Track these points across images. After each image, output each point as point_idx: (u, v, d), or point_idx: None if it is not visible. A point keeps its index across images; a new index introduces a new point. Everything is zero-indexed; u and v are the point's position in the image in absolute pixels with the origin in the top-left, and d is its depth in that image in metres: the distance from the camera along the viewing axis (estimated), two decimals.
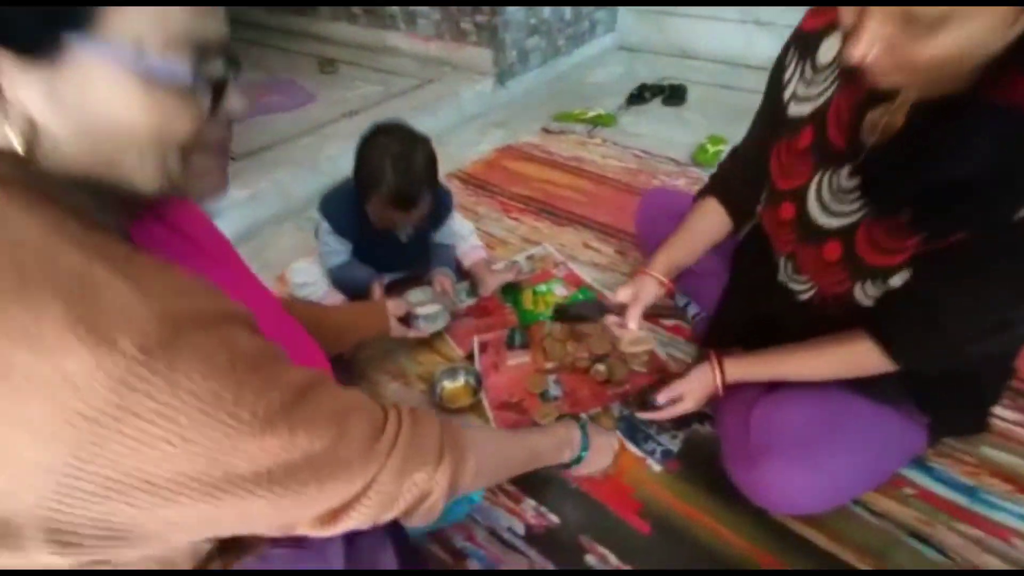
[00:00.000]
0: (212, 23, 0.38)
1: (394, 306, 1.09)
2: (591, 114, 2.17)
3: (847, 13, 0.53)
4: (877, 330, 0.71)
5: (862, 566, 0.79)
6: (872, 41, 0.51)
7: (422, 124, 1.26)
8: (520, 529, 0.87)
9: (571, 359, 1.12)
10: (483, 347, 1.18)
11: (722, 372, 0.85)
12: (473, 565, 0.83)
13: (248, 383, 0.35)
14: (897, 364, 0.71)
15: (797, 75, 0.77)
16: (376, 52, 2.69)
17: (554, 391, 1.08)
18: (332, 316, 1.02)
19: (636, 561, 0.82)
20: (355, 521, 0.46)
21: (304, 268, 1.25)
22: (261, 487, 0.37)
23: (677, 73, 2.52)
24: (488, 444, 0.66)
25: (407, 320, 1.11)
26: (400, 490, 0.48)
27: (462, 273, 1.38)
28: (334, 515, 0.44)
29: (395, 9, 2.58)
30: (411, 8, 2.54)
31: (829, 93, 0.72)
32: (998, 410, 0.97)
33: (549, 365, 1.13)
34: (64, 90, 0.33)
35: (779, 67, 0.80)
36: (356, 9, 2.73)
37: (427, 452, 0.50)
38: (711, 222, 0.96)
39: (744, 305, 0.97)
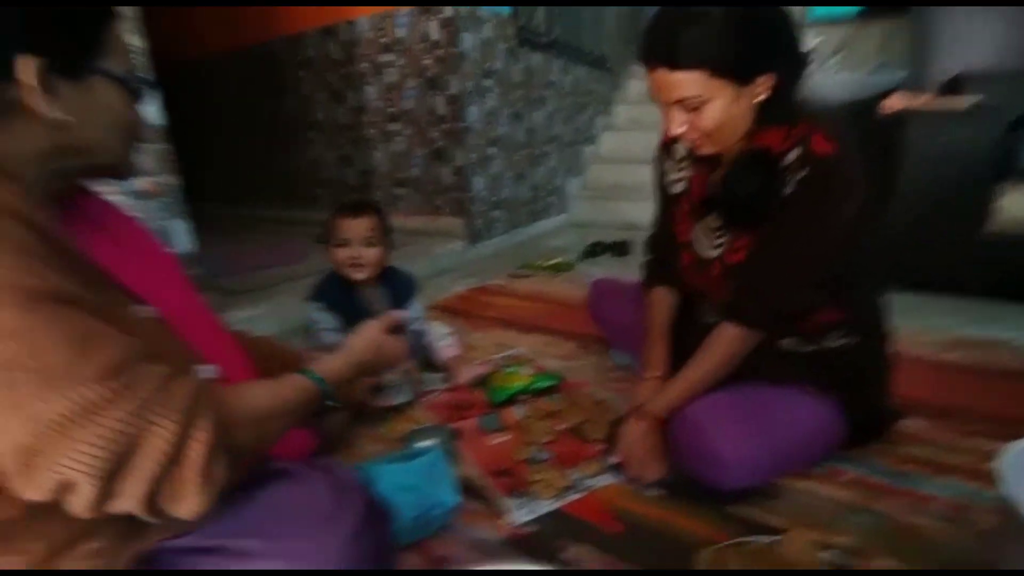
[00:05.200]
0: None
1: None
2: (551, 262, 2.55)
3: (662, 108, 0.88)
4: (726, 311, 0.96)
5: (812, 535, 0.86)
6: (678, 122, 0.86)
7: None
8: (499, 538, 0.91)
9: (551, 435, 1.19)
10: (458, 433, 1.22)
11: (642, 417, 1.02)
12: (452, 568, 0.86)
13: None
14: (745, 324, 0.94)
15: (669, 170, 1.13)
16: None
17: (540, 455, 1.13)
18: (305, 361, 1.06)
19: (612, 554, 0.87)
20: (74, 462, 0.40)
21: (322, 314, 1.42)
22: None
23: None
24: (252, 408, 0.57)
25: (375, 393, 1.22)
26: (139, 428, 0.42)
27: (440, 368, 1.53)
28: (59, 432, 0.40)
29: (381, 194, 3.12)
30: (394, 192, 3.07)
31: (689, 174, 1.07)
32: (907, 421, 1.12)
33: (530, 438, 1.19)
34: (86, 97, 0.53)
35: (657, 168, 1.16)
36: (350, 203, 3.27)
37: (175, 403, 0.45)
38: (667, 305, 1.18)
39: (687, 352, 1.17)
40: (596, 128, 4.04)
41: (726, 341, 0.96)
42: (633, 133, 3.95)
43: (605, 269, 2.51)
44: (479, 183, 2.87)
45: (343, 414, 1.18)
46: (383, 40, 2.87)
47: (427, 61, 2.74)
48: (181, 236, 1.68)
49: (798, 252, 0.88)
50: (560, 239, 3.24)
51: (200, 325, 0.68)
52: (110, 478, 0.42)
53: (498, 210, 3.05)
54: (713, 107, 0.82)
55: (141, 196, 1.56)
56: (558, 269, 2.53)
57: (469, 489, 1.01)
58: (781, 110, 0.86)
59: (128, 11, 1.48)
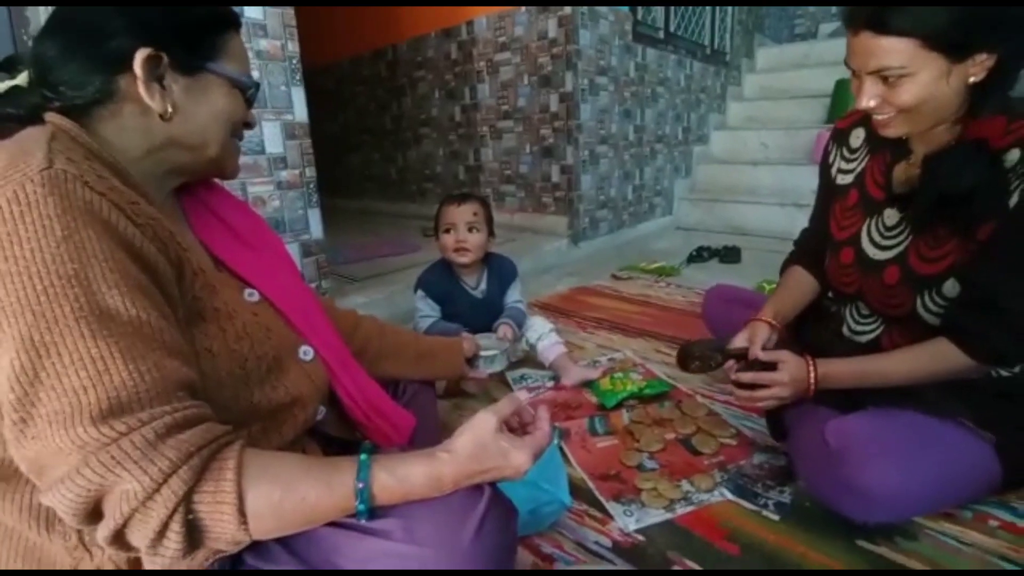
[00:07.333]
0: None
1: (466, 344, 1.19)
2: (655, 265, 2.49)
3: (855, 80, 0.81)
4: (952, 333, 0.83)
5: None
6: (870, 94, 0.78)
7: None
8: (607, 543, 0.92)
9: (660, 444, 1.16)
10: (566, 434, 1.23)
11: (815, 370, 0.92)
12: (560, 567, 0.87)
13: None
14: (976, 357, 0.81)
15: (838, 157, 1.06)
16: None
17: (650, 464, 1.11)
18: (415, 341, 1.09)
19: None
20: (54, 495, 0.42)
21: (423, 301, 1.51)
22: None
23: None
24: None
25: (471, 363, 1.21)
26: (111, 481, 0.42)
27: (547, 367, 1.54)
28: (38, 472, 0.43)
29: (488, 190, 3.20)
30: (501, 188, 3.14)
31: (862, 165, 1.00)
32: None
33: (639, 444, 1.17)
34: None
35: (825, 156, 1.09)
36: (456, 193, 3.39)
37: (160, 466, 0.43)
38: (804, 280, 1.12)
39: None
40: (708, 127, 3.88)
41: (939, 357, 0.84)
42: (747, 132, 3.75)
43: (711, 276, 2.41)
44: (587, 181, 2.86)
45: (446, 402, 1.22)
46: (501, 39, 2.93)
47: (543, 59, 2.76)
48: (315, 224, 1.82)
49: None
50: (664, 242, 3.15)
51: (302, 308, 0.72)
52: (85, 515, 0.43)
53: (604, 209, 3.03)
54: (915, 82, 0.73)
55: (284, 187, 1.72)
56: (661, 273, 2.46)
57: (577, 489, 1.03)
58: (998, 98, 0.76)
59: (283, 18, 1.63)
